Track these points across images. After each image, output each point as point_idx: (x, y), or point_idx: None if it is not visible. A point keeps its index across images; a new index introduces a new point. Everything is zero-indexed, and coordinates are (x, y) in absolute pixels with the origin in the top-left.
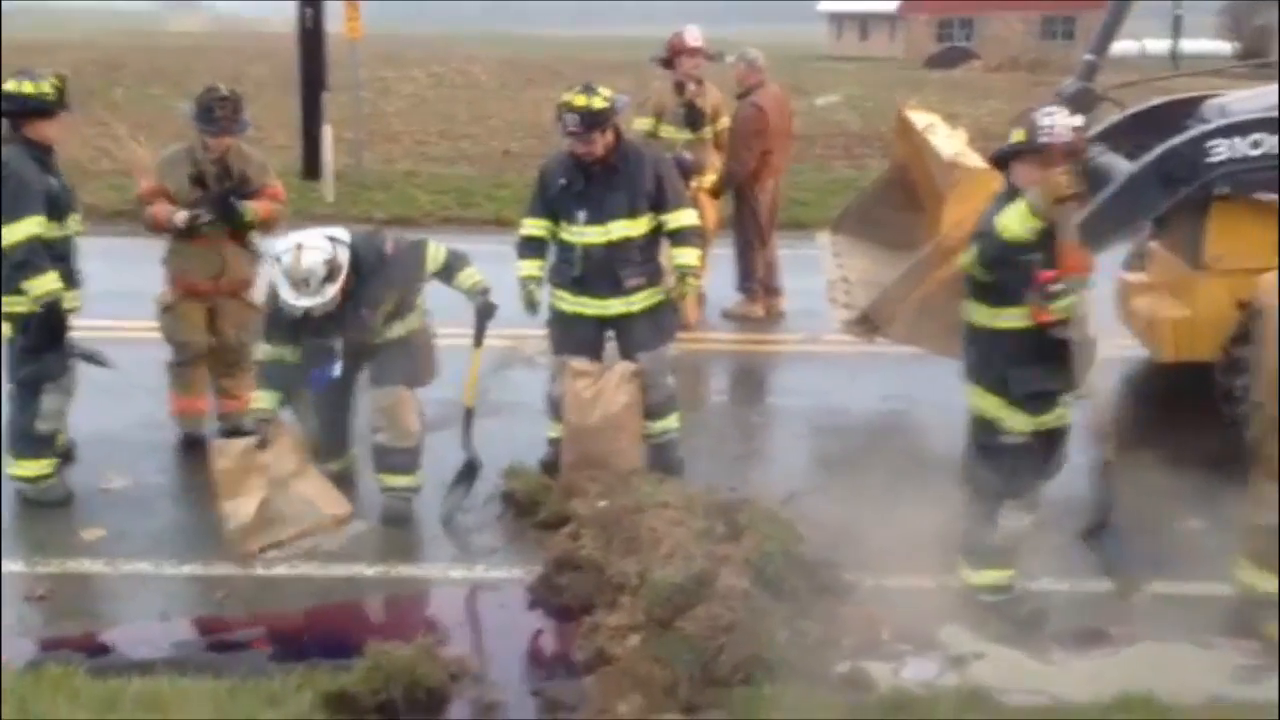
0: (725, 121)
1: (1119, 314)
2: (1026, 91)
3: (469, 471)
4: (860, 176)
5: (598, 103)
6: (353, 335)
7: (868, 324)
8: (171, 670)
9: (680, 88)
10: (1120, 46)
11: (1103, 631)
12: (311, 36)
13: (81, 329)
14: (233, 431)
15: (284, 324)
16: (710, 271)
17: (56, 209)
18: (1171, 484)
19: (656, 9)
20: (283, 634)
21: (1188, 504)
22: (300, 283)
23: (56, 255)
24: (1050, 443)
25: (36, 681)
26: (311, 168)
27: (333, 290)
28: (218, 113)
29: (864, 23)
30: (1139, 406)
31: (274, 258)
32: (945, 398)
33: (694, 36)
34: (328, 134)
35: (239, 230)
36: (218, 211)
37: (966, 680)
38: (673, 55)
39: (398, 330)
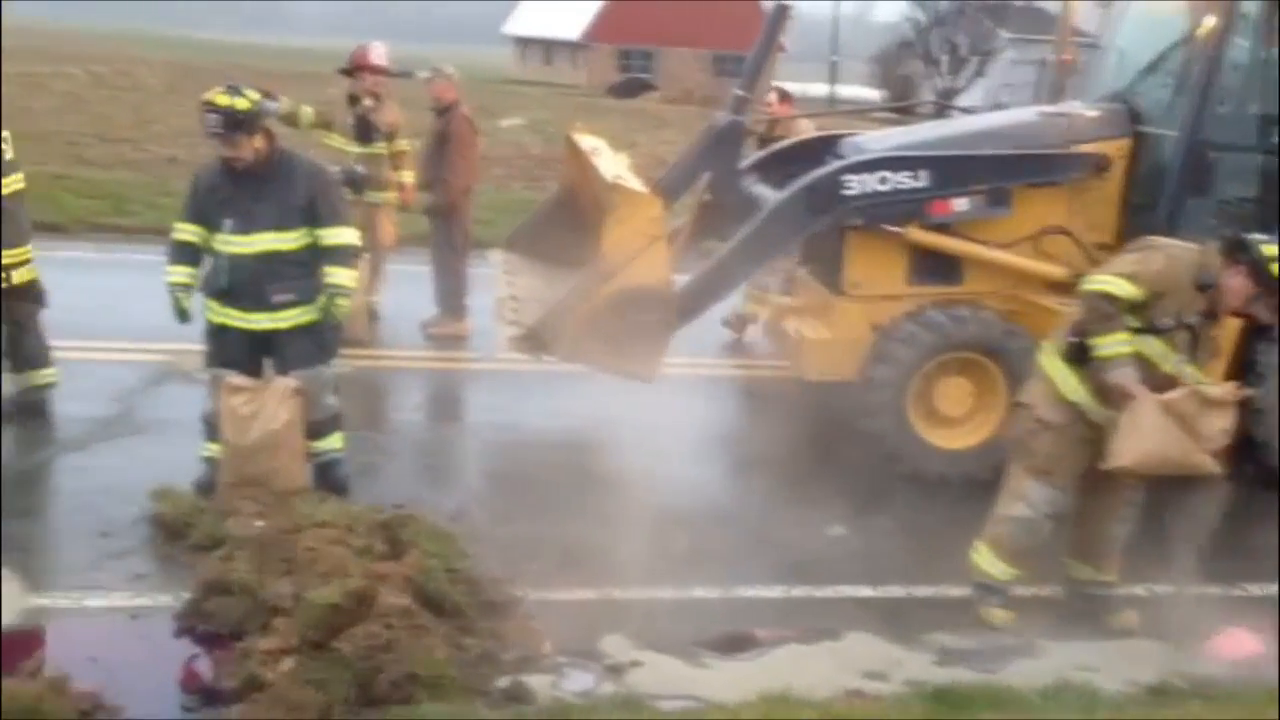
0: (405, 144)
1: (769, 334)
2: (699, 123)
3: None
4: (539, 198)
5: (241, 104)
6: None
7: (534, 341)
8: None
9: (354, 100)
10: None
11: (751, 635)
12: None
13: None
14: None
15: None
16: (390, 288)
17: None
18: (813, 494)
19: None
20: None
21: (829, 512)
22: None
23: None
24: None
25: None
26: None
27: None
28: None
29: (548, 49)
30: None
31: None
32: (611, 415)
33: (378, 54)
34: None
35: None
36: None
37: (623, 688)
38: (355, 68)
39: None
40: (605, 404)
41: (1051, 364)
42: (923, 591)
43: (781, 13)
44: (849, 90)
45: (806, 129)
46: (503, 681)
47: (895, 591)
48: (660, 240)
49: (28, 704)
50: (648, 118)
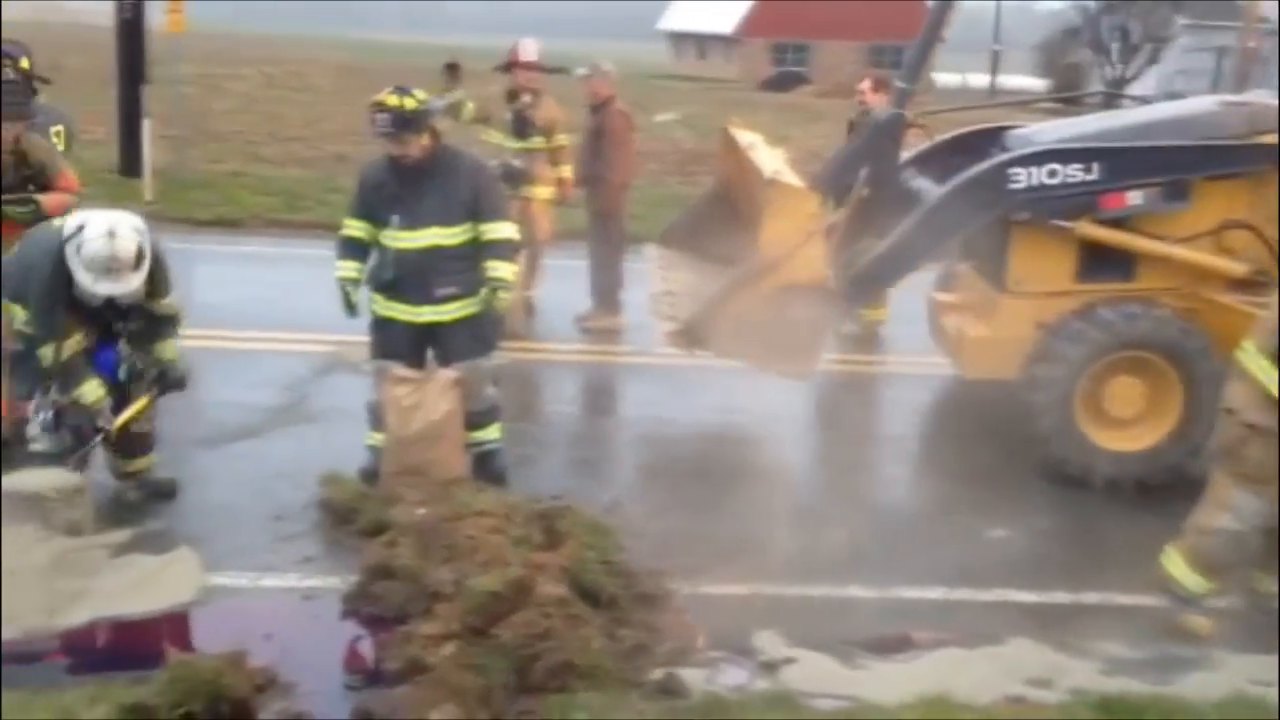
0: (565, 138)
1: (930, 331)
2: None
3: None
4: (692, 193)
5: (409, 104)
6: (136, 324)
7: (689, 337)
8: None
9: (512, 95)
10: (944, 79)
11: (909, 637)
12: (131, 27)
13: None
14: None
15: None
16: (546, 282)
17: None
18: (976, 495)
19: (502, 17)
20: (80, 646)
21: (991, 514)
22: (109, 269)
23: None
24: None
25: None
26: (130, 164)
27: (138, 279)
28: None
29: (702, 43)
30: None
31: (72, 243)
32: (765, 411)
33: (527, 50)
34: (147, 129)
35: (32, 222)
36: (16, 202)
37: (777, 685)
38: (510, 65)
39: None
40: (760, 400)
41: (1256, 364)
42: (1089, 598)
43: (947, 2)
44: (1012, 80)
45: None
46: (657, 674)
47: (1060, 597)
48: (817, 236)
49: (208, 676)
50: (801, 111)
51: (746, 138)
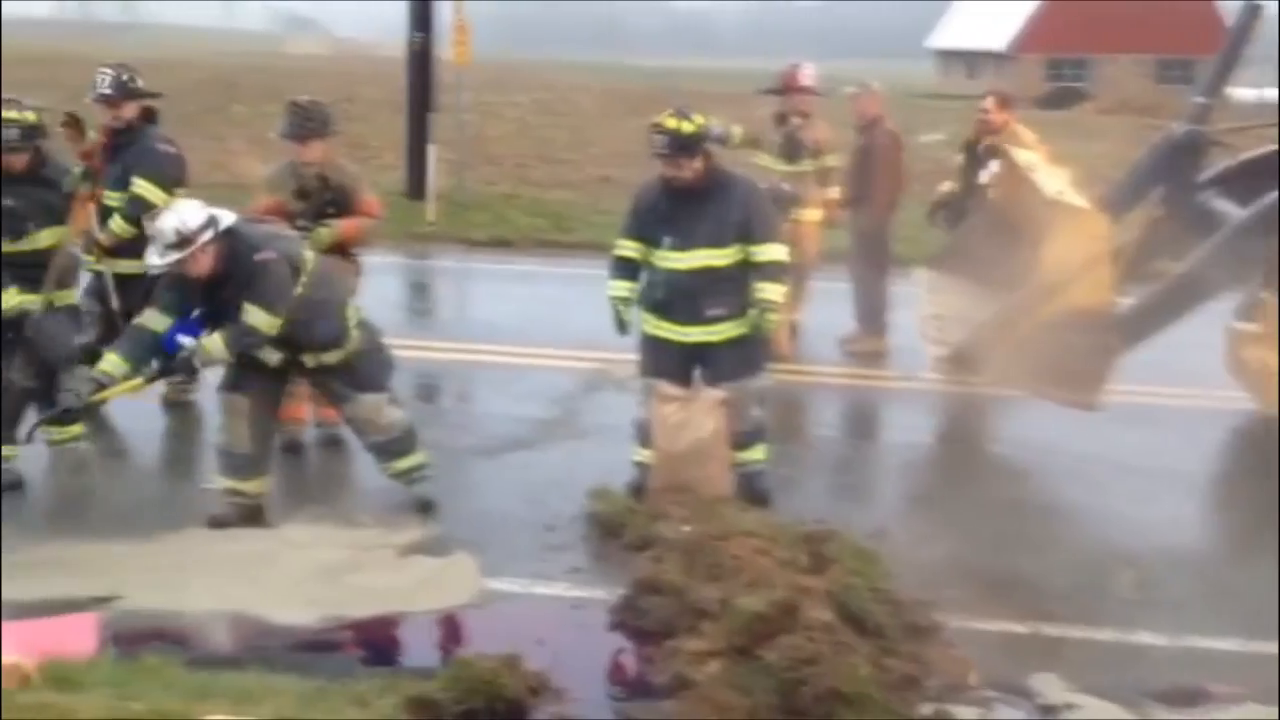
0: (834, 159)
1: (1228, 364)
2: (1138, 134)
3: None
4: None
5: (687, 127)
6: (221, 320)
7: (961, 362)
8: (261, 666)
9: (782, 119)
10: (1239, 94)
11: (1204, 690)
12: (420, 60)
13: None
14: (332, 441)
15: (172, 292)
16: (811, 304)
17: (11, 227)
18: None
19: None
20: (370, 639)
21: None
22: (151, 239)
23: (19, 266)
24: None
25: (134, 670)
26: (416, 187)
27: (173, 258)
28: (298, 122)
29: (971, 61)
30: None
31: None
32: (1041, 439)
33: (808, 75)
34: (432, 155)
35: (328, 248)
36: (310, 226)
37: None
38: (784, 88)
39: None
40: (1034, 429)
41: None
42: None
43: (1253, 13)
44: None
45: (1029, 140)
46: (926, 709)
47: None
48: (1104, 259)
49: (486, 676)
50: (1079, 129)
51: (1025, 157)
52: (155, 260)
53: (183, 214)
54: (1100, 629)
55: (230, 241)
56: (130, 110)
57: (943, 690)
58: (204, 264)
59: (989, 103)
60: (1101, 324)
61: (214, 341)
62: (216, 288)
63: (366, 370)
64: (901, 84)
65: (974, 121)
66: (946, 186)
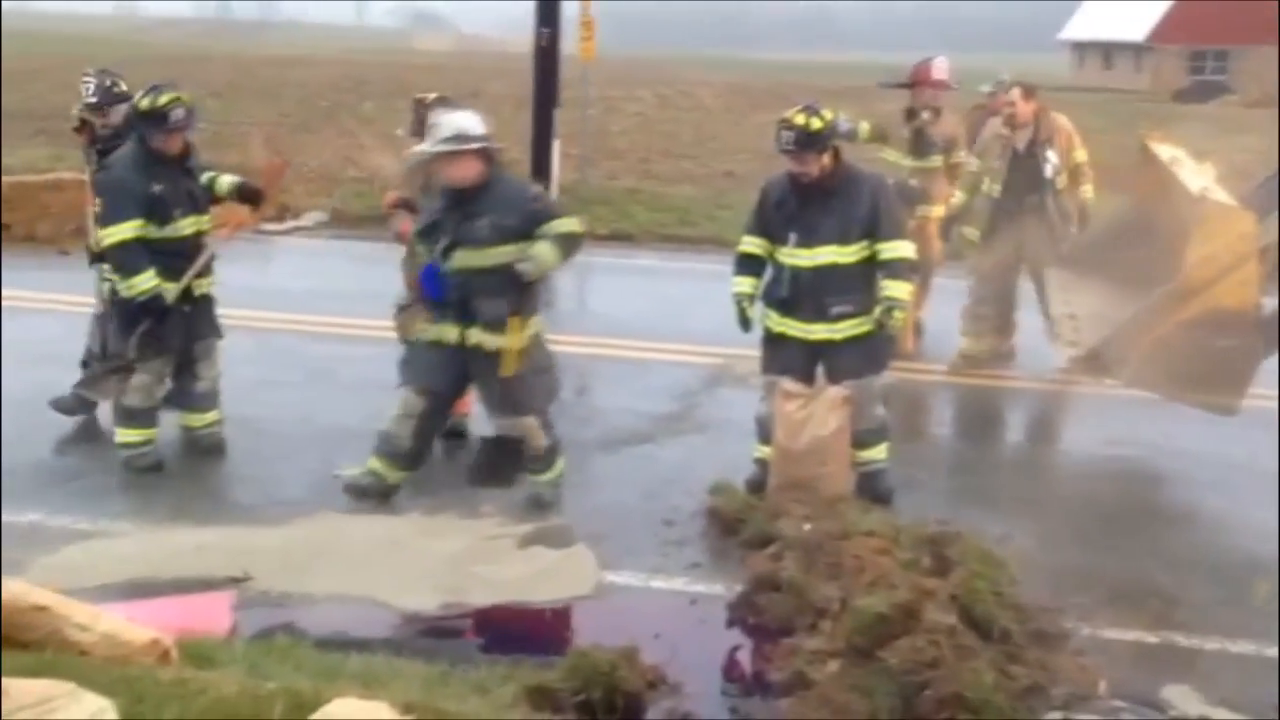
0: (963, 156)
1: None
2: None
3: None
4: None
5: (815, 123)
6: (461, 242)
7: (1097, 362)
8: (388, 650)
9: (911, 114)
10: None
11: None
12: (547, 56)
13: (323, 325)
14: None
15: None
16: (935, 302)
17: (158, 212)
18: None
19: (898, 31)
20: (492, 627)
21: None
22: (429, 130)
23: (162, 253)
24: None
25: (267, 650)
26: (540, 182)
27: (445, 149)
28: (423, 120)
29: (1108, 52)
30: None
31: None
32: (1175, 445)
33: (940, 69)
34: (556, 149)
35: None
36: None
37: None
38: (915, 82)
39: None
40: (1169, 434)
41: None
42: None
43: None
44: None
45: (1065, 128)
46: (1053, 716)
47: None
48: (1251, 259)
49: (604, 668)
50: (1222, 124)
51: (1168, 152)
52: (427, 148)
53: (467, 117)
54: (1236, 641)
55: (494, 167)
56: (117, 116)
57: (1069, 699)
58: (469, 171)
59: (1015, 93)
60: (1246, 326)
61: (547, 249)
62: (466, 204)
63: (531, 388)
64: (1035, 77)
65: (1002, 118)
66: (956, 198)
